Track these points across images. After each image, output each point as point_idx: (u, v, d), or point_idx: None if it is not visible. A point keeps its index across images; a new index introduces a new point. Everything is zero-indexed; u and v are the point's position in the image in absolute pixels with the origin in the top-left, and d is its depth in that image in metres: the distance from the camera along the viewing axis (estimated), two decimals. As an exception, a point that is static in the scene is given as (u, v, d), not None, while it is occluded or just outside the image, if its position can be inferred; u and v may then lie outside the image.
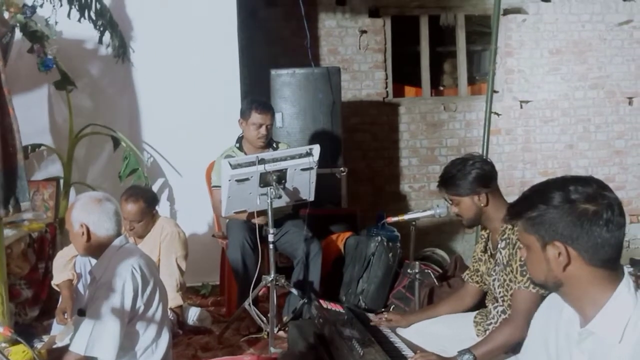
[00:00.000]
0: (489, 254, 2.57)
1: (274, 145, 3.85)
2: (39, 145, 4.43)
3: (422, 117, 5.93)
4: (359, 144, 5.76)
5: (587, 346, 1.43)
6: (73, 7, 4.12)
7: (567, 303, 1.49)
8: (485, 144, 4.85)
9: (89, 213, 2.49)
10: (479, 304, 2.71)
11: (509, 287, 2.37)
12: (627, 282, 1.41)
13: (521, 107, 5.94)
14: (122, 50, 4.52)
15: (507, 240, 2.39)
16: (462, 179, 2.46)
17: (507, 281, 2.38)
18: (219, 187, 3.58)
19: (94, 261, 2.59)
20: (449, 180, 2.51)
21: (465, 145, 5.79)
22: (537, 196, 1.48)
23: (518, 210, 1.50)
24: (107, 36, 4.43)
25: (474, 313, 2.67)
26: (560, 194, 1.43)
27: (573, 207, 1.41)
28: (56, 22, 4.19)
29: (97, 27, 4.33)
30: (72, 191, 4.42)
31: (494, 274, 2.49)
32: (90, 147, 4.67)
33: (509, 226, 2.38)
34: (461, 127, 5.94)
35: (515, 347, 2.16)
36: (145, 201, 3.52)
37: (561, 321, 1.53)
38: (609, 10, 5.97)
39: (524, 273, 2.27)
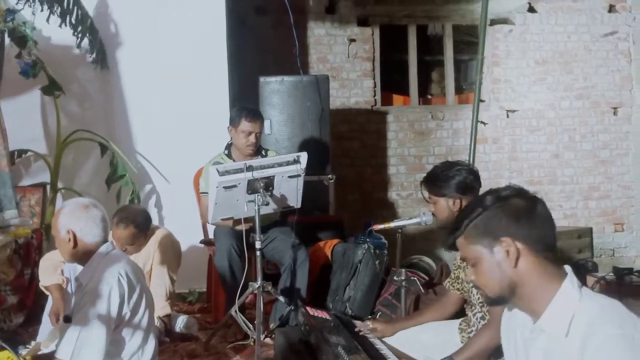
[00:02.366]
0: None
1: (263, 152, 3.86)
2: (26, 151, 4.42)
3: (410, 125, 5.98)
4: (347, 152, 5.79)
5: (541, 344, 1.47)
6: (54, 13, 4.11)
7: (519, 308, 1.52)
8: (471, 152, 4.89)
9: (75, 219, 2.48)
10: (461, 311, 2.74)
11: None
12: (570, 278, 1.46)
13: (507, 116, 6.00)
14: (100, 57, 4.52)
15: None
16: (443, 181, 2.55)
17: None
18: (207, 193, 3.58)
19: (80, 267, 2.59)
20: (430, 178, 2.62)
21: (452, 153, 5.84)
22: (468, 209, 1.53)
23: (457, 228, 1.52)
24: (86, 42, 4.43)
25: (459, 320, 2.69)
26: (490, 196, 1.51)
27: (508, 203, 1.49)
28: (34, 28, 4.17)
29: (76, 34, 4.33)
30: (59, 197, 4.41)
31: (471, 280, 2.52)
32: (78, 153, 4.66)
33: None
34: (448, 135, 5.99)
35: (496, 351, 2.19)
36: (136, 227, 3.44)
37: (517, 325, 1.57)
38: (595, 21, 6.06)
39: None
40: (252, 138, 3.69)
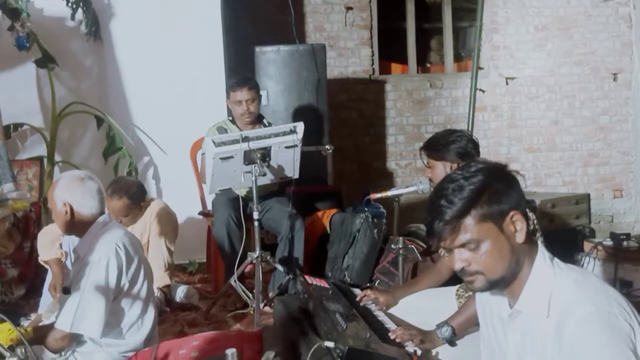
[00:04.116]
0: None
1: (265, 122, 3.85)
2: (21, 125, 4.40)
3: (409, 94, 5.93)
4: (345, 122, 5.76)
5: (518, 324, 1.45)
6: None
7: (499, 293, 1.48)
8: (470, 120, 4.87)
9: (72, 192, 2.48)
10: (456, 277, 2.75)
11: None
12: (542, 254, 1.43)
13: (507, 83, 5.95)
14: (94, 29, 4.47)
15: None
16: (442, 146, 2.58)
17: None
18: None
19: (78, 240, 2.60)
20: (430, 143, 2.65)
21: (451, 122, 5.81)
22: (463, 188, 1.39)
23: (461, 211, 1.38)
24: (79, 14, 4.37)
25: (457, 286, 2.71)
26: (482, 170, 1.41)
27: (499, 172, 1.42)
28: (27, 0, 4.11)
29: (70, 4, 4.27)
30: (57, 170, 4.40)
31: None
32: (74, 126, 4.64)
33: None
34: (447, 104, 5.95)
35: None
36: (130, 197, 3.45)
37: (491, 304, 1.55)
38: (595, -14, 5.97)
39: None
40: (244, 106, 3.67)
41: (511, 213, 1.40)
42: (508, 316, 1.48)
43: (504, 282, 1.43)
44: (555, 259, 1.44)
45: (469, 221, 1.38)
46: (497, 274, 1.40)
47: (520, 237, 1.40)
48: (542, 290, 1.39)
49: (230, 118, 3.85)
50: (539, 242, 1.45)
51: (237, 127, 3.75)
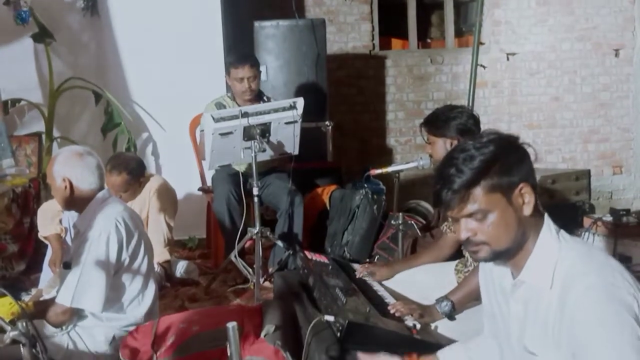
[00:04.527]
0: None
1: (265, 98, 3.82)
2: (19, 100, 4.37)
3: (409, 70, 5.89)
4: (344, 98, 5.72)
5: (521, 295, 1.46)
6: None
7: (503, 264, 1.48)
8: (471, 96, 4.84)
9: (71, 167, 2.47)
10: (457, 253, 2.76)
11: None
12: (547, 226, 1.43)
13: (508, 59, 5.90)
14: (91, 3, 4.42)
15: None
16: (444, 121, 2.57)
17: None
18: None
19: (78, 215, 2.59)
20: (431, 119, 2.63)
21: (451, 98, 5.77)
22: (474, 157, 1.38)
23: (470, 181, 1.37)
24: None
25: (456, 262, 2.72)
26: (494, 142, 1.41)
27: (511, 144, 1.42)
28: None
29: None
30: (55, 146, 4.39)
31: None
32: (73, 102, 4.62)
33: None
34: (448, 80, 5.91)
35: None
36: (129, 173, 3.45)
37: (494, 275, 1.55)
38: (598, -40, 5.89)
39: None
40: (245, 84, 3.64)
41: (520, 185, 1.39)
42: (511, 287, 1.48)
43: (509, 254, 1.43)
44: (562, 232, 1.44)
45: (478, 191, 1.38)
46: (503, 245, 1.40)
47: (527, 210, 1.40)
48: (546, 262, 1.39)
49: (229, 94, 3.82)
50: (546, 215, 1.45)
51: (236, 103, 3.72)
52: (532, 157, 1.44)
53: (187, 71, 4.49)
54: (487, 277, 1.60)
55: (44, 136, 4.36)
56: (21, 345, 1.68)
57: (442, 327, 2.32)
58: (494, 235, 1.39)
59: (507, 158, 1.39)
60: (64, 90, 4.40)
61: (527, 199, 1.40)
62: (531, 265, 1.42)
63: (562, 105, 6.00)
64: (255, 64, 3.71)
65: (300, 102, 3.35)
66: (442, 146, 2.56)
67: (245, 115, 3.20)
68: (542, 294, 1.39)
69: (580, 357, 1.30)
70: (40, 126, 4.44)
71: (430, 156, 2.68)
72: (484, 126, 2.64)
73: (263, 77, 4.52)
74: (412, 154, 5.82)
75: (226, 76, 3.77)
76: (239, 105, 3.65)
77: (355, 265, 2.98)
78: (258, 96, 3.79)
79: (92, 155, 2.53)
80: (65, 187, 2.46)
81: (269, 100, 3.80)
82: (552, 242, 1.41)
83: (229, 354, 1.41)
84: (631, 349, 1.25)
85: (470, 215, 1.40)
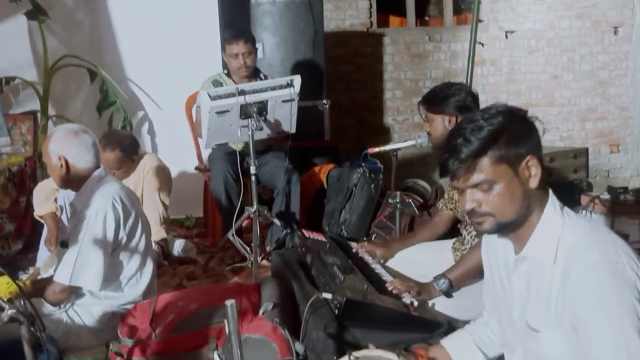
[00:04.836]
0: None
1: (262, 75, 3.79)
2: (13, 78, 4.32)
3: (407, 47, 5.84)
4: (342, 76, 5.69)
5: (523, 270, 1.46)
6: None
7: (509, 235, 1.48)
8: (469, 74, 4.81)
9: (66, 145, 2.46)
10: (453, 230, 2.77)
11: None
12: (552, 202, 1.43)
13: (506, 37, 5.85)
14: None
15: None
16: (441, 99, 2.55)
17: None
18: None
19: (75, 194, 2.58)
20: (429, 96, 2.61)
21: (450, 76, 5.73)
22: (482, 128, 1.38)
23: (477, 150, 1.37)
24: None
25: (453, 240, 2.73)
26: (502, 113, 1.40)
27: (519, 117, 1.42)
28: None
29: None
30: (50, 125, 4.36)
31: None
32: (67, 80, 4.58)
33: None
34: (446, 58, 5.87)
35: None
36: (122, 150, 3.44)
37: (498, 250, 1.55)
38: None
39: None
40: (240, 60, 3.61)
41: (527, 157, 1.39)
42: (514, 262, 1.48)
43: (513, 226, 1.42)
44: (566, 208, 1.44)
45: (485, 161, 1.38)
46: (508, 217, 1.40)
47: (534, 183, 1.40)
48: (550, 237, 1.39)
49: (226, 71, 3.79)
50: (550, 191, 1.44)
51: (233, 80, 3.69)
52: (540, 132, 1.43)
53: (183, 49, 4.44)
54: (490, 252, 1.60)
55: (39, 115, 4.32)
56: (19, 324, 1.68)
57: (440, 304, 2.33)
58: (500, 206, 1.39)
59: (515, 130, 1.39)
60: (59, 68, 4.36)
61: (533, 172, 1.39)
62: (534, 241, 1.41)
63: (560, 84, 5.97)
64: (250, 40, 3.67)
65: (297, 80, 3.32)
66: (440, 124, 2.55)
67: (242, 93, 3.17)
68: (545, 269, 1.39)
69: (582, 333, 1.31)
70: (35, 105, 4.40)
71: (429, 134, 2.67)
72: (482, 105, 2.63)
73: (260, 54, 4.47)
74: (409, 132, 5.80)
75: (222, 53, 3.73)
76: (235, 83, 3.61)
77: (353, 244, 2.98)
78: (254, 73, 3.76)
79: (87, 133, 2.51)
80: (61, 166, 2.45)
81: (265, 78, 3.77)
82: (556, 218, 1.41)
83: (227, 332, 1.41)
84: (631, 326, 1.25)
85: (476, 186, 1.40)
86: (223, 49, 3.72)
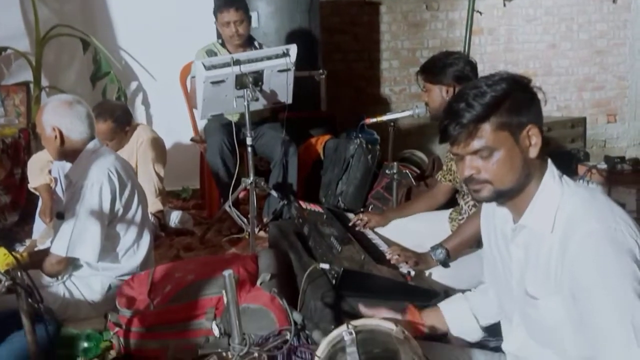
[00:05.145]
0: None
1: (256, 44, 3.74)
2: (5, 49, 4.25)
3: (404, 16, 5.76)
4: (338, 46, 5.61)
5: (521, 239, 1.46)
6: None
7: (507, 204, 1.48)
8: (467, 44, 4.76)
9: (60, 116, 2.43)
10: (451, 201, 2.77)
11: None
12: (551, 171, 1.42)
13: (504, 5, 5.77)
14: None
15: None
16: (439, 69, 2.52)
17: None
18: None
19: (70, 165, 2.56)
20: (427, 66, 2.58)
21: (447, 46, 5.67)
22: (485, 94, 1.37)
23: (479, 116, 1.35)
24: None
25: (450, 210, 2.73)
26: (506, 81, 1.39)
27: (522, 85, 1.40)
28: None
29: None
30: (44, 96, 4.30)
31: None
32: (60, 50, 4.51)
33: None
34: (443, 27, 5.80)
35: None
36: (115, 120, 3.41)
37: (497, 219, 1.55)
38: None
39: None
40: (232, 28, 3.55)
41: (529, 126, 1.38)
42: (512, 231, 1.48)
43: (511, 194, 1.42)
44: (565, 177, 1.43)
45: (486, 127, 1.37)
46: (506, 185, 1.40)
47: (534, 152, 1.39)
48: (548, 206, 1.39)
49: (220, 41, 3.73)
50: (549, 160, 1.44)
51: (227, 50, 3.64)
52: (542, 102, 1.42)
53: (177, 17, 4.37)
54: (489, 222, 1.60)
55: (32, 85, 4.26)
56: (17, 295, 1.68)
57: (437, 274, 2.34)
58: (498, 174, 1.39)
59: (517, 97, 1.38)
60: (51, 38, 4.29)
61: (534, 141, 1.39)
62: (533, 210, 1.41)
63: (558, 53, 5.92)
64: (241, 7, 3.61)
65: (293, 49, 3.27)
66: (438, 94, 2.52)
67: (237, 63, 3.13)
68: (543, 238, 1.39)
69: (581, 300, 1.31)
70: (27, 75, 4.34)
71: (426, 104, 2.64)
72: (479, 74, 2.60)
73: (254, 23, 4.39)
74: (406, 103, 5.76)
75: (215, 22, 3.67)
76: (229, 52, 3.56)
77: (350, 215, 2.99)
78: (249, 42, 3.70)
79: (81, 104, 2.49)
80: (56, 137, 2.43)
81: (260, 46, 3.72)
82: (554, 187, 1.40)
83: (225, 302, 1.41)
84: (633, 293, 1.25)
85: (476, 152, 1.39)
86: (215, 18, 3.65)
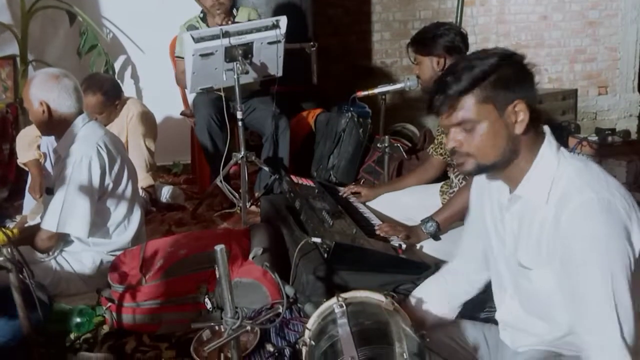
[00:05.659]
0: None
1: (234, 12, 3.64)
2: (-11, 22, 4.17)
3: (395, -13, 5.69)
4: (329, 18, 5.55)
5: (516, 209, 1.47)
6: None
7: (496, 177, 1.49)
8: (458, 15, 4.72)
9: (47, 90, 2.40)
10: (443, 175, 2.77)
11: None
12: (549, 141, 1.42)
13: (497, -24, 5.72)
14: None
15: None
16: (430, 39, 2.51)
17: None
18: (182, 58, 3.45)
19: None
20: (418, 37, 2.57)
21: (439, 17, 5.61)
22: (473, 64, 1.37)
23: (464, 88, 1.36)
24: None
25: (441, 183, 2.74)
26: (497, 55, 1.38)
27: (518, 62, 1.40)
28: None
29: None
30: (30, 70, 4.24)
31: None
32: (46, 23, 4.42)
33: None
34: (435, -3, 5.74)
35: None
36: (104, 93, 3.36)
37: (493, 189, 1.55)
38: None
39: None
40: None
41: (515, 102, 1.37)
42: (507, 202, 1.49)
43: (494, 169, 1.43)
44: (562, 149, 1.43)
45: (469, 100, 1.38)
46: (489, 159, 1.40)
47: (519, 129, 1.39)
48: (543, 178, 1.39)
49: (201, 15, 3.65)
50: (548, 132, 1.43)
51: (207, 25, 3.57)
52: (536, 79, 1.41)
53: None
54: (482, 193, 1.61)
55: (18, 59, 4.20)
56: (7, 271, 1.68)
57: (427, 247, 2.36)
58: (481, 148, 1.39)
59: (506, 72, 1.37)
60: (36, 10, 4.20)
61: (520, 117, 1.38)
62: (529, 180, 1.42)
63: (550, 24, 5.88)
64: None
65: (283, 20, 3.23)
66: (429, 66, 2.50)
67: (226, 35, 3.08)
68: (538, 209, 1.40)
69: (570, 268, 1.33)
70: (13, 49, 4.26)
71: (418, 77, 2.63)
72: (471, 47, 2.58)
73: (245, -5, 4.33)
74: (397, 76, 5.73)
75: None
76: (208, 27, 3.49)
77: (341, 189, 2.99)
78: (229, 12, 3.60)
79: (68, 77, 2.45)
80: (43, 111, 2.40)
81: (237, 12, 3.62)
82: (551, 159, 1.40)
83: (217, 276, 1.41)
84: (621, 264, 1.27)
85: (459, 125, 1.40)
86: None
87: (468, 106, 1.37)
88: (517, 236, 1.47)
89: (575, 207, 1.31)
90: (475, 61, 1.38)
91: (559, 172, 1.38)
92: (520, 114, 1.38)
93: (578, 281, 1.31)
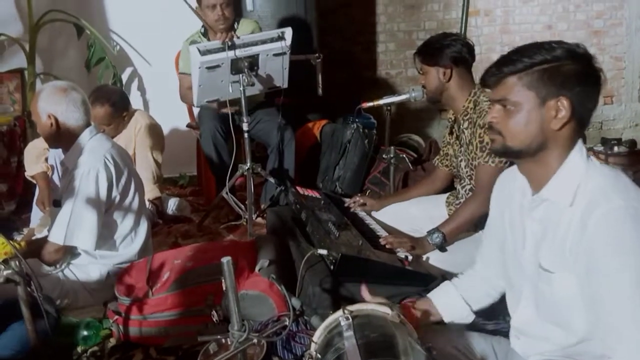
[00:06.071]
0: (455, 135, 2.61)
1: (235, 25, 3.65)
2: (-3, 35, 4.22)
3: (400, -2, 5.72)
4: (334, 29, 5.58)
5: (539, 213, 1.47)
6: None
7: (522, 173, 1.50)
8: (463, 25, 4.73)
9: (55, 103, 2.42)
10: (449, 187, 2.77)
11: (473, 165, 2.42)
12: (579, 148, 1.43)
13: (501, -14, 5.74)
14: None
15: (470, 120, 2.42)
16: (436, 49, 2.49)
17: (471, 159, 2.43)
18: (186, 74, 3.47)
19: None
20: (424, 47, 2.55)
21: (443, 27, 5.63)
22: (532, 51, 1.40)
23: (516, 68, 1.39)
24: None
25: (447, 194, 2.73)
26: (563, 49, 1.39)
27: (580, 62, 1.39)
28: None
29: None
30: (38, 83, 4.27)
31: (460, 154, 2.55)
32: (54, 36, 4.46)
33: (471, 105, 2.41)
34: (440, 8, 5.76)
35: (480, 223, 2.24)
36: (112, 105, 3.38)
37: (515, 191, 1.56)
38: None
39: (483, 149, 2.33)
40: (218, 11, 3.46)
41: (561, 97, 1.38)
42: (530, 203, 1.49)
43: (521, 156, 1.45)
44: (592, 157, 1.44)
45: (514, 81, 1.41)
46: (515, 144, 1.43)
47: (556, 124, 1.39)
48: (570, 181, 1.40)
49: (202, 30, 3.66)
50: (580, 140, 1.44)
51: (209, 39, 3.57)
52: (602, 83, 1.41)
53: (171, 2, 4.31)
54: (502, 196, 1.61)
55: (26, 72, 4.23)
56: (15, 284, 1.69)
57: (434, 258, 2.36)
58: (511, 129, 1.43)
59: (565, 68, 1.38)
60: (44, 23, 4.24)
61: (560, 114, 1.39)
62: (555, 183, 1.42)
63: (554, 34, 5.88)
64: None
65: (288, 32, 3.25)
66: (435, 76, 2.50)
67: (232, 47, 3.11)
68: (562, 211, 1.40)
69: (595, 275, 1.32)
70: (21, 62, 4.30)
71: (423, 87, 2.63)
72: (477, 56, 2.59)
73: (249, 7, 4.36)
74: (402, 86, 5.74)
75: (197, 7, 3.54)
76: (209, 41, 3.50)
77: (347, 200, 2.99)
78: (231, 27, 3.60)
79: (76, 90, 2.47)
80: (51, 124, 2.42)
81: (238, 24, 3.62)
82: (580, 164, 1.41)
83: (224, 288, 1.42)
84: None
85: (499, 101, 1.44)
86: (198, 2, 3.54)
87: (510, 86, 1.41)
88: (539, 238, 1.47)
89: (603, 213, 1.31)
90: (542, 49, 1.40)
91: (587, 177, 1.38)
92: (562, 111, 1.38)
93: (604, 287, 1.31)
